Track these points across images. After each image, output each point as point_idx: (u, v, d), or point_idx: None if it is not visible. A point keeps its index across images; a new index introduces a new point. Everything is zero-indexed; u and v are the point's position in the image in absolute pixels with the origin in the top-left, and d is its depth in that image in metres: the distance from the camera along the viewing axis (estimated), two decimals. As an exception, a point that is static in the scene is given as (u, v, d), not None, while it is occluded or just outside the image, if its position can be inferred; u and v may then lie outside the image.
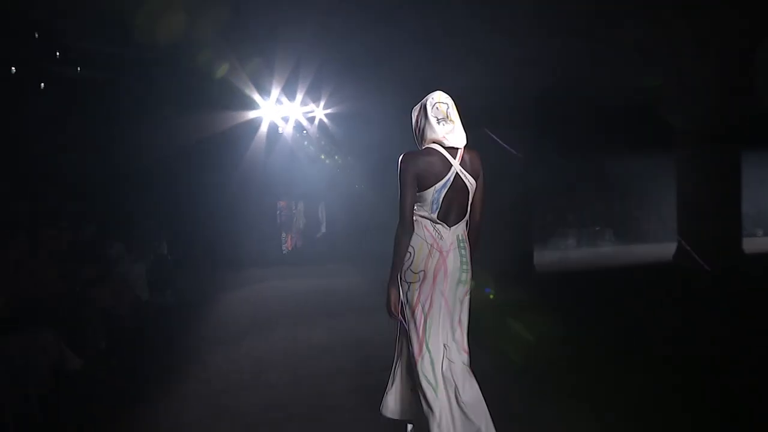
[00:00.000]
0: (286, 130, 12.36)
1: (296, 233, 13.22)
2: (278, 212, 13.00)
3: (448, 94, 2.69)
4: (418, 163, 2.53)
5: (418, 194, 2.55)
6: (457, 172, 2.57)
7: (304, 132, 12.66)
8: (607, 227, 14.18)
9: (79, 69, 9.44)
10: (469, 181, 2.60)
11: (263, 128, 11.93)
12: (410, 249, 2.56)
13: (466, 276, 2.61)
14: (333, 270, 10.93)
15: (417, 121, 2.67)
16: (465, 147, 2.62)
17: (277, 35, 9.31)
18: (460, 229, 2.63)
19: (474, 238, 2.73)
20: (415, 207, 2.58)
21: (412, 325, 2.54)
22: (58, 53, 9.20)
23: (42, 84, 9.19)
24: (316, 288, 8.82)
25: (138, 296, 6.89)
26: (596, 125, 11.64)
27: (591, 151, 12.63)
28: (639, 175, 13.32)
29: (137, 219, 8.07)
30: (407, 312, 2.59)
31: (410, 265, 2.55)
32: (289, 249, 12.77)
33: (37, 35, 8.71)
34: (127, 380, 4.66)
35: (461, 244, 2.62)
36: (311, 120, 12.32)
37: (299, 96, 11.45)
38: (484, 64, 8.02)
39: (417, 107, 2.69)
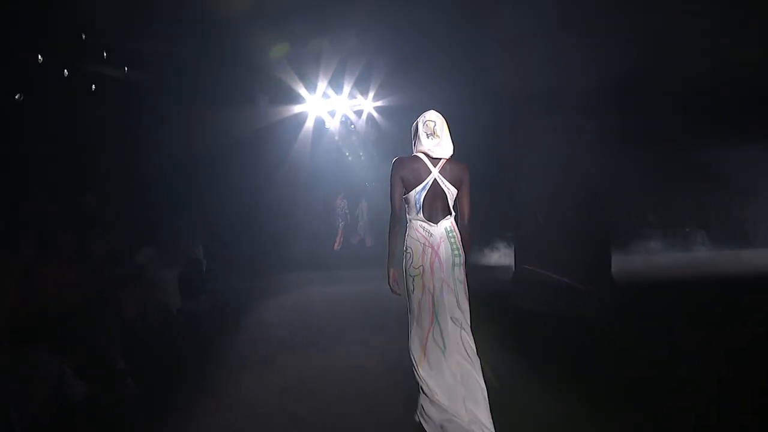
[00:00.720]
0: (333, 124, 11.88)
1: (344, 234, 12.60)
2: (326, 211, 12.42)
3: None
4: (404, 168, 3.11)
5: (404, 196, 3.14)
6: (435, 179, 3.11)
7: (352, 127, 12.13)
8: (698, 229, 12.57)
9: (126, 69, 9.25)
10: (447, 187, 3.12)
11: (309, 123, 11.49)
12: (408, 250, 3.14)
13: (459, 260, 3.12)
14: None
15: (413, 134, 3.26)
16: (450, 158, 3.14)
17: (324, 25, 8.96)
18: (447, 222, 3.13)
19: (465, 236, 3.18)
20: (406, 210, 3.20)
21: (424, 305, 3.05)
22: (105, 54, 8.94)
23: (93, 85, 8.95)
24: (366, 294, 8.17)
25: (167, 305, 6.46)
26: (686, 110, 9.89)
27: (681, 142, 11.08)
28: (743, 168, 11.59)
29: (170, 220, 7.66)
30: (417, 296, 3.09)
31: (411, 263, 3.10)
32: (336, 250, 12.06)
33: (84, 36, 8.51)
34: (144, 407, 4.17)
35: (450, 235, 3.11)
36: (359, 114, 11.81)
37: (347, 89, 11.02)
38: (549, 47, 7.06)
39: (415, 122, 3.26)
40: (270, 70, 10.27)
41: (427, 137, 3.16)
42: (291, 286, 9.23)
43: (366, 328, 6.31)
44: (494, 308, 7.23)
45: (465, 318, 3.13)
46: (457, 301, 3.11)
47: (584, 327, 6.28)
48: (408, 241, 3.16)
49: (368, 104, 11.49)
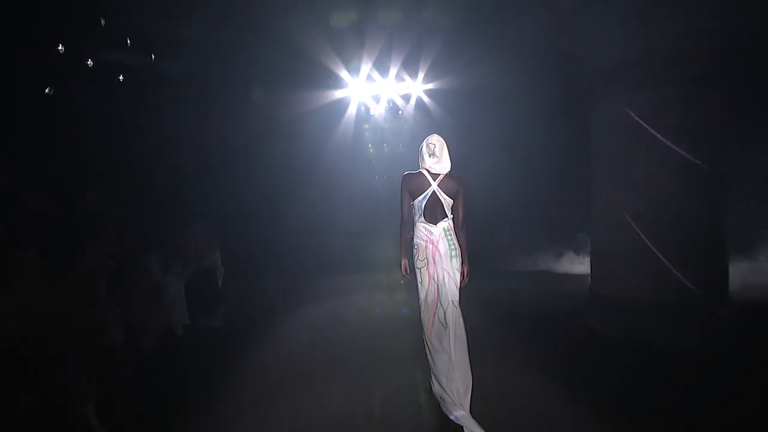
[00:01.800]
0: (378, 110, 10.80)
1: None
2: (370, 208, 11.19)
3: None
4: (410, 182, 3.86)
5: (411, 203, 3.88)
6: (434, 191, 3.83)
7: (399, 113, 10.98)
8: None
9: (153, 56, 8.47)
10: (444, 197, 3.83)
11: (351, 110, 10.49)
12: (416, 247, 3.88)
13: (455, 252, 3.82)
14: None
15: (419, 152, 3.94)
16: (447, 174, 3.85)
17: (367, 2, 8.11)
18: (445, 224, 3.84)
19: (462, 235, 3.88)
20: (413, 214, 3.90)
21: (431, 293, 3.78)
22: (129, 41, 8.12)
23: (120, 76, 8.20)
24: (408, 306, 7.09)
25: (170, 323, 5.54)
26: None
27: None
28: None
29: (183, 220, 6.73)
30: (425, 286, 3.81)
31: (417, 257, 3.87)
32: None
33: (103, 22, 7.77)
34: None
35: (447, 233, 3.84)
36: (407, 98, 10.66)
37: (393, 71, 9.93)
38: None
39: (421, 143, 3.95)
40: (307, 51, 9.27)
41: (429, 156, 3.83)
42: (328, 293, 8.18)
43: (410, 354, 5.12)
44: (561, 330, 5.97)
45: (458, 307, 3.76)
46: (457, 287, 3.78)
47: (687, 363, 4.94)
48: (415, 239, 3.86)
49: (417, 87, 10.39)
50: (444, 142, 3.86)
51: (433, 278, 3.75)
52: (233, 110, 8.55)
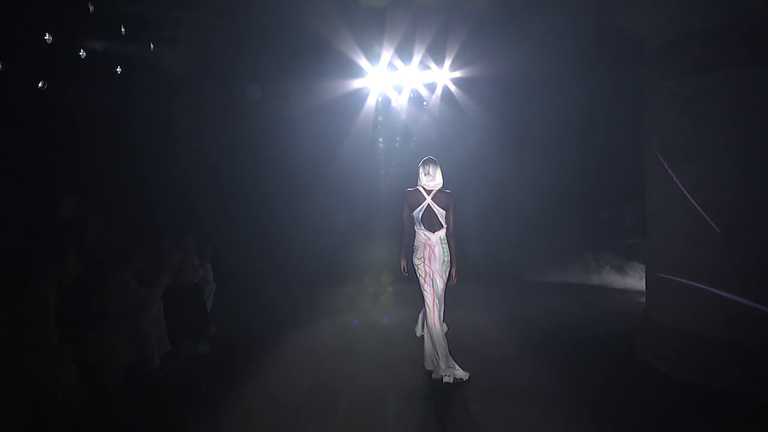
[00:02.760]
0: (400, 102, 9.86)
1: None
2: (393, 212, 10.21)
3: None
4: (409, 197, 4.72)
5: (411, 214, 4.72)
6: (428, 204, 4.67)
7: (424, 104, 10.04)
8: None
9: (152, 45, 7.81)
10: (437, 209, 4.68)
11: (370, 101, 9.58)
12: (416, 247, 4.75)
13: (447, 259, 4.69)
14: (478, 298, 7.93)
15: (417, 172, 4.79)
16: (439, 189, 4.71)
17: None
18: (441, 233, 4.69)
19: (452, 242, 4.72)
20: (414, 223, 4.75)
21: (426, 286, 4.69)
22: (123, 28, 7.39)
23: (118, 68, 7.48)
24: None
25: (146, 350, 4.75)
26: None
27: None
28: None
29: (171, 227, 5.94)
30: (422, 279, 4.72)
31: (416, 255, 4.73)
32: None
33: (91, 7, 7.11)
34: None
35: (442, 241, 4.69)
36: (432, 88, 9.72)
37: (416, 57, 9.04)
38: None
39: (419, 164, 4.82)
40: (320, 36, 8.34)
41: (424, 176, 4.73)
42: (342, 309, 7.30)
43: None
44: (607, 361, 5.20)
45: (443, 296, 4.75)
46: (443, 285, 4.72)
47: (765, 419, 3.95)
48: (416, 242, 4.75)
49: (444, 75, 9.46)
50: (437, 163, 4.75)
51: (429, 275, 4.65)
52: (232, 105, 7.81)
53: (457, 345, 5.07)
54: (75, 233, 5.16)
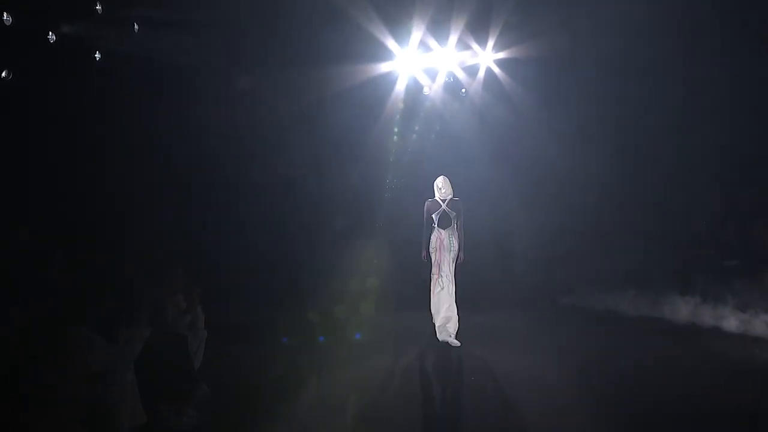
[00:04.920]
0: (434, 89, 8.84)
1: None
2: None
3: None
4: (430, 205, 6.18)
5: (431, 217, 6.16)
6: (444, 210, 6.13)
7: (462, 92, 8.94)
8: None
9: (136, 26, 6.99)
10: (450, 213, 6.13)
11: (399, 87, 8.55)
12: (432, 239, 6.17)
13: (453, 248, 6.09)
14: (526, 332, 6.74)
15: (433, 187, 6.28)
16: (451, 198, 6.17)
17: None
18: (450, 230, 6.13)
19: (460, 234, 6.17)
20: (433, 224, 6.17)
21: (434, 269, 6.09)
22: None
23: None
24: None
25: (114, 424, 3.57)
26: None
27: None
28: None
29: (145, 254, 4.70)
30: (433, 264, 6.14)
31: (432, 246, 6.15)
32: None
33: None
34: None
35: (451, 237, 6.11)
36: (472, 72, 8.72)
37: (453, 36, 8.18)
38: None
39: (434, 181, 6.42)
40: (340, 12, 7.42)
41: (437, 190, 6.19)
42: (373, 350, 6.03)
43: None
44: None
45: (452, 278, 6.08)
46: (450, 268, 6.08)
47: None
48: (432, 238, 6.17)
49: (487, 57, 8.50)
50: (447, 178, 6.23)
51: (438, 261, 6.10)
52: (224, 98, 7.02)
53: (503, 399, 4.39)
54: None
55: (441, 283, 6.06)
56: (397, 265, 8.02)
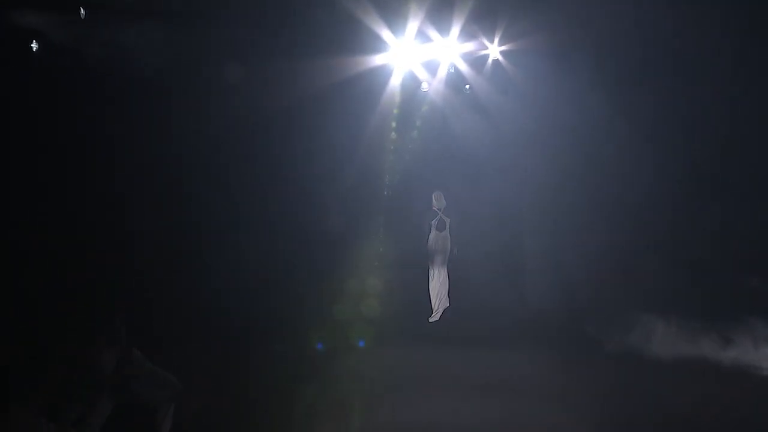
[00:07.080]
0: (434, 84, 8.65)
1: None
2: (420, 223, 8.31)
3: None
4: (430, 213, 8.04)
5: (430, 223, 7.84)
6: (440, 217, 7.79)
7: (466, 88, 8.86)
8: None
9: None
10: (446, 219, 7.68)
11: (394, 82, 8.32)
12: (432, 240, 7.86)
13: (448, 246, 7.69)
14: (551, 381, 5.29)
15: (431, 199, 7.90)
16: (445, 207, 7.76)
17: None
18: (445, 232, 7.70)
19: (452, 234, 7.95)
20: (432, 227, 7.83)
21: (432, 263, 7.94)
22: None
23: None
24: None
25: None
26: None
27: None
28: None
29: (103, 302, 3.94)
30: (431, 259, 7.86)
31: (431, 244, 7.99)
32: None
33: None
34: None
35: (445, 237, 7.74)
36: (478, 66, 8.54)
37: (455, 29, 8.02)
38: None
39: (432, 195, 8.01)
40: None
41: (435, 201, 7.57)
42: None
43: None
44: None
45: (446, 274, 7.72)
46: (446, 256, 7.76)
47: None
48: (431, 237, 7.73)
49: (492, 49, 8.32)
50: (440, 192, 7.63)
51: (434, 256, 7.59)
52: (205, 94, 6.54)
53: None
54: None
55: (438, 273, 7.81)
56: (397, 265, 8.24)
